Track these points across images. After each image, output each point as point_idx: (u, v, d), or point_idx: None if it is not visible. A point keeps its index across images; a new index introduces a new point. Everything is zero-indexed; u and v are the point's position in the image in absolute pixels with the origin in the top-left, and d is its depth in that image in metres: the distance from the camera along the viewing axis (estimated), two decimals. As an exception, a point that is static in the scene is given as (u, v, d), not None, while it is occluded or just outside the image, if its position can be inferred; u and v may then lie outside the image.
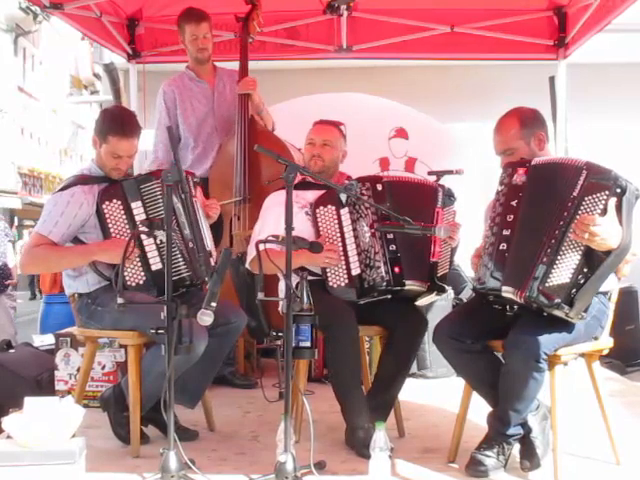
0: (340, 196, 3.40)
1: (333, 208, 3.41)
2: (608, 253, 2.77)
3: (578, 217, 2.77)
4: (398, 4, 5.45)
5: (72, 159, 29.45)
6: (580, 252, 2.78)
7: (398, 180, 3.62)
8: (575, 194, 2.80)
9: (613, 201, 2.77)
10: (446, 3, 5.40)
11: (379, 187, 3.44)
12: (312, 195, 3.49)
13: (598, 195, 2.77)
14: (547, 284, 2.78)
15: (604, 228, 2.72)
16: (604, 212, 2.76)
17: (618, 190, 2.77)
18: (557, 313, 2.81)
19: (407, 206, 3.31)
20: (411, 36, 5.57)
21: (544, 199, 2.90)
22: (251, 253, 3.47)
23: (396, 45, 5.64)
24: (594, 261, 2.79)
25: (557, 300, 2.77)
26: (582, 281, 2.78)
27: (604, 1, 4.66)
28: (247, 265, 3.57)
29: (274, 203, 3.51)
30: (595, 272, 2.78)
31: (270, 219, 3.47)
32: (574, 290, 2.77)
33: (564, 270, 2.78)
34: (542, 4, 5.34)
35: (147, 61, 5.71)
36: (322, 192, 3.46)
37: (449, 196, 3.52)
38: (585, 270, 2.78)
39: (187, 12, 4.55)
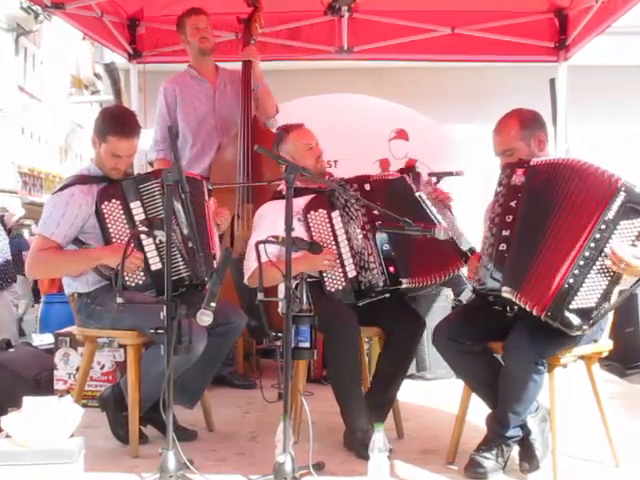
0: (331, 199, 3.38)
1: (324, 212, 3.39)
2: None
3: (611, 241, 2.72)
4: (399, 5, 5.45)
5: (70, 158, 29.39)
6: (609, 277, 2.75)
7: (385, 178, 3.58)
8: (610, 217, 2.73)
9: None
10: (447, 5, 5.40)
11: (367, 187, 3.42)
12: (303, 201, 3.44)
13: (634, 221, 2.74)
14: (572, 306, 2.74)
15: None
16: (638, 238, 2.74)
17: None
18: (574, 333, 2.78)
19: (397, 204, 3.29)
20: (412, 37, 5.57)
21: (545, 200, 2.87)
22: (249, 268, 3.39)
23: (397, 46, 5.64)
24: (618, 285, 2.76)
25: (578, 323, 2.74)
26: (603, 303, 2.75)
27: (605, 3, 4.66)
28: (245, 281, 3.46)
29: (269, 211, 3.47)
30: (619, 296, 2.76)
31: (266, 226, 3.40)
32: (595, 312, 2.75)
33: (590, 294, 2.74)
34: (543, 6, 5.34)
35: (148, 61, 5.71)
36: (312, 197, 3.44)
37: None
38: (609, 293, 2.75)
39: (186, 10, 4.62)
